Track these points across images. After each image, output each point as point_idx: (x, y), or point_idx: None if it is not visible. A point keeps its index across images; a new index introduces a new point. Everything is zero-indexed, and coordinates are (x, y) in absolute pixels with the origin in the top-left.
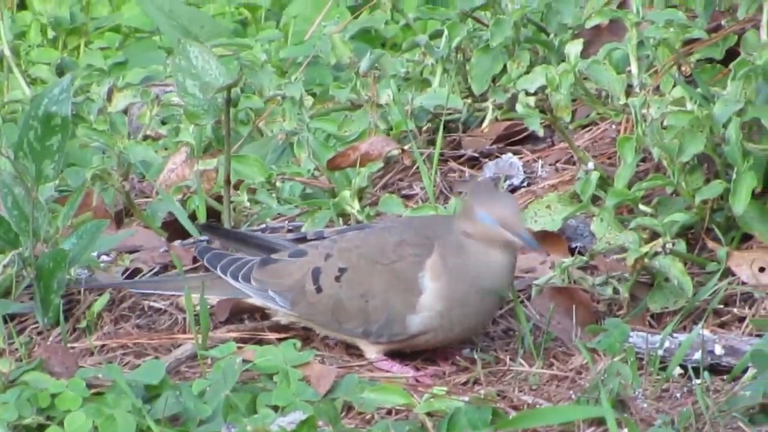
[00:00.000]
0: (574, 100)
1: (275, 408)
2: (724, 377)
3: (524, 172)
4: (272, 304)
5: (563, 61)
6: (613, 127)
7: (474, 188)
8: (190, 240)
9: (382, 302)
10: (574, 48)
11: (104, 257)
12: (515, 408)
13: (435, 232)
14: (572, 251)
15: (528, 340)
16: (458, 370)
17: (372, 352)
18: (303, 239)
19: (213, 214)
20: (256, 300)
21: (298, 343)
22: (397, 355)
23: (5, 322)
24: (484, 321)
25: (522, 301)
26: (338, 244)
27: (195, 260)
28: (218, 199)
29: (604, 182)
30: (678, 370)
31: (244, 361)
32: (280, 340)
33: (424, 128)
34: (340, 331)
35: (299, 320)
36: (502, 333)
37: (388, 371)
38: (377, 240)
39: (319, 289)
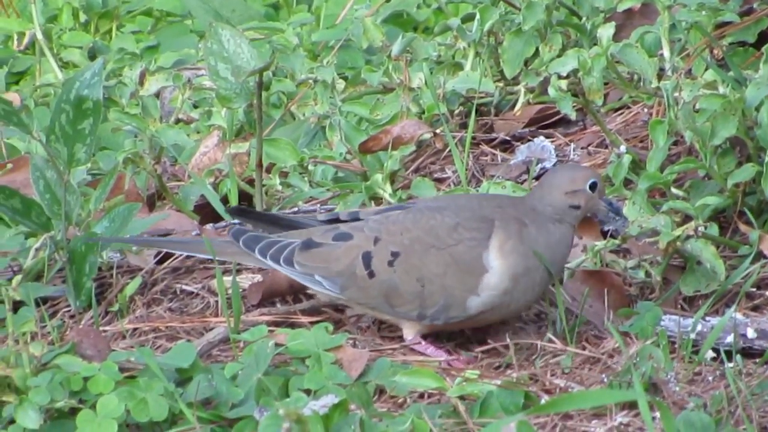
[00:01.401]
0: (606, 84)
1: (307, 391)
2: (757, 360)
3: (556, 155)
4: (318, 288)
5: (595, 44)
6: (645, 110)
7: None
8: (222, 223)
9: (439, 287)
10: (606, 31)
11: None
12: (547, 392)
13: (497, 210)
14: (604, 234)
15: (561, 323)
16: (491, 354)
17: (410, 333)
18: (336, 220)
19: (245, 198)
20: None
21: (330, 327)
22: (432, 337)
23: (37, 305)
24: (537, 298)
25: (559, 284)
26: (385, 226)
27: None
28: (250, 182)
29: (636, 165)
30: (710, 354)
31: (277, 344)
32: (312, 323)
33: (456, 112)
34: (392, 314)
35: (337, 299)
36: (535, 317)
37: (422, 353)
38: (428, 223)
39: (371, 274)
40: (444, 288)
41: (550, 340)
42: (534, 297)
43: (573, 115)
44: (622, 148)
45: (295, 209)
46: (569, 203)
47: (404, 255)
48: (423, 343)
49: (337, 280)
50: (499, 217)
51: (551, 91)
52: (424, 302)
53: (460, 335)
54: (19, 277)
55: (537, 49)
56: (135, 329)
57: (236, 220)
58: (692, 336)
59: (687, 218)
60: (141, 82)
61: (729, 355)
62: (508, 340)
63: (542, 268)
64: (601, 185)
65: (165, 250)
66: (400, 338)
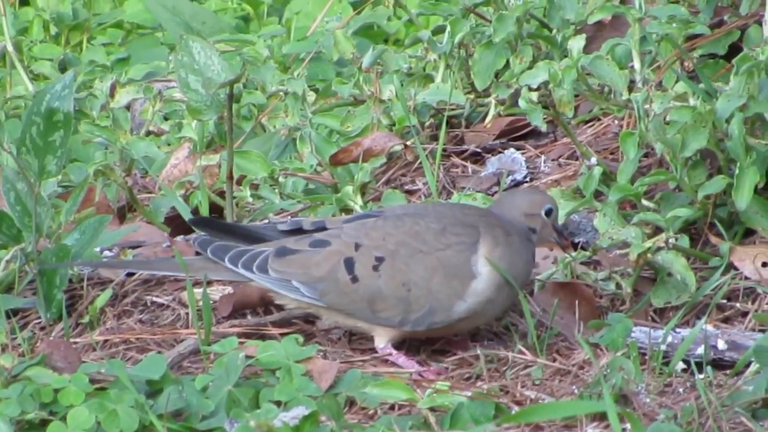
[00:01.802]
0: (576, 96)
1: (278, 403)
2: (727, 372)
3: (527, 167)
4: (294, 294)
5: (566, 56)
6: (616, 122)
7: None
8: (193, 235)
9: (426, 291)
10: (576, 43)
11: (107, 252)
12: (518, 403)
13: (476, 218)
14: (575, 246)
15: (531, 335)
16: (461, 365)
17: (382, 341)
18: (299, 230)
19: (216, 210)
20: (263, 286)
21: (301, 338)
22: (404, 348)
23: (8, 317)
24: (508, 308)
25: (525, 297)
26: (364, 232)
27: (197, 254)
28: (221, 194)
29: (607, 177)
30: (681, 365)
31: (247, 356)
32: (282, 335)
33: (427, 124)
34: (371, 320)
35: (315, 309)
36: (504, 329)
37: (393, 363)
38: (413, 228)
39: (354, 279)
40: (430, 292)
41: (521, 352)
42: (507, 307)
43: (544, 127)
44: (593, 159)
45: (266, 221)
46: (528, 225)
47: (389, 259)
48: (394, 353)
49: (317, 285)
50: (483, 223)
51: (522, 103)
52: (409, 307)
53: (429, 346)
54: None
55: (508, 61)
56: (105, 341)
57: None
58: (663, 347)
59: (658, 230)
60: (112, 95)
61: (699, 366)
62: (478, 351)
63: (520, 278)
64: (556, 213)
65: (135, 261)
66: (371, 350)
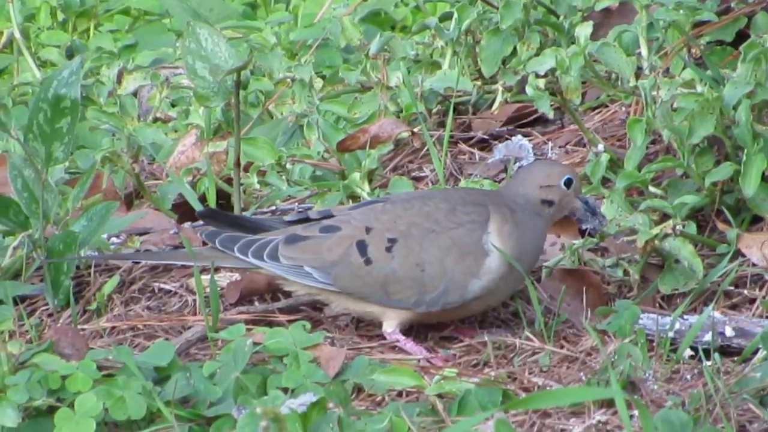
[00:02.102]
0: (583, 83)
1: (285, 390)
2: (735, 359)
3: (534, 154)
4: (306, 280)
5: (573, 43)
6: (623, 109)
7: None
8: (200, 222)
9: (440, 270)
10: (583, 30)
11: (114, 239)
12: (525, 390)
13: (483, 198)
14: (582, 233)
15: (539, 321)
16: (469, 352)
17: (391, 326)
18: (306, 220)
19: (223, 196)
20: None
21: (308, 325)
22: (412, 334)
23: (15, 303)
24: (518, 287)
25: (532, 283)
26: (373, 216)
27: (204, 243)
28: (228, 181)
29: (614, 164)
30: (688, 352)
31: (254, 343)
32: (290, 322)
33: (434, 110)
34: (385, 303)
35: (320, 293)
36: (512, 316)
37: (402, 349)
38: (423, 209)
39: (368, 261)
40: (445, 272)
41: (528, 338)
42: (517, 286)
43: (551, 114)
44: (600, 146)
45: (273, 208)
46: (542, 198)
47: (402, 240)
48: (402, 339)
49: (329, 270)
50: (490, 202)
51: (529, 90)
52: (423, 287)
53: (437, 333)
54: None
55: (515, 48)
56: (113, 328)
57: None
58: (670, 334)
59: (665, 217)
60: (119, 81)
61: (707, 353)
62: (486, 337)
63: (529, 255)
64: (577, 183)
65: (143, 253)
66: (379, 336)
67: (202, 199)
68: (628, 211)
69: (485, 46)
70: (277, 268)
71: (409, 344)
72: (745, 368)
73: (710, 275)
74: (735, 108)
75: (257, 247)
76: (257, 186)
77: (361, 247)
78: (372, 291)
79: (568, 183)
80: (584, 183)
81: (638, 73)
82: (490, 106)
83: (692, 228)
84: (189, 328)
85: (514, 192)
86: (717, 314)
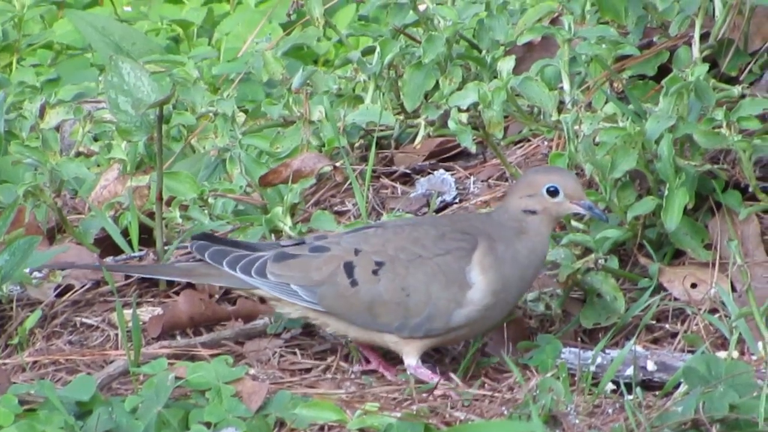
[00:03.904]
0: (506, 117)
1: (208, 424)
2: (656, 393)
3: (456, 188)
4: (292, 298)
5: (495, 77)
6: (546, 143)
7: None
8: (123, 256)
9: (425, 296)
10: (506, 64)
11: (36, 273)
12: (447, 424)
13: (471, 226)
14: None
15: (464, 360)
16: (391, 387)
17: (413, 359)
18: (302, 243)
19: (145, 231)
20: (264, 292)
21: (231, 359)
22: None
23: None
24: (509, 313)
25: None
26: (363, 239)
27: (127, 276)
28: (150, 215)
29: None
30: (610, 386)
31: (177, 377)
32: (212, 356)
33: (357, 145)
34: (372, 325)
35: (316, 315)
36: (433, 351)
37: (426, 381)
38: (412, 234)
39: (354, 283)
40: (429, 298)
41: (449, 379)
42: (507, 312)
43: (473, 148)
44: None
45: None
46: (523, 208)
47: (389, 264)
48: (423, 371)
49: (315, 289)
50: (475, 232)
51: (451, 124)
52: (408, 312)
53: (360, 366)
54: None
55: (437, 82)
56: (35, 362)
57: (136, 254)
58: (592, 368)
59: (587, 251)
60: (41, 115)
61: (629, 387)
62: (408, 373)
63: (513, 288)
64: (573, 189)
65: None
66: (301, 371)
67: (125, 233)
68: (550, 246)
69: (408, 81)
70: (264, 284)
71: (435, 377)
72: (667, 402)
73: (632, 309)
74: (657, 142)
75: (246, 263)
76: (179, 220)
77: (348, 268)
78: (357, 313)
79: (552, 192)
80: None
81: (560, 107)
82: (413, 140)
83: (614, 262)
84: (111, 362)
85: (502, 209)
86: (639, 348)
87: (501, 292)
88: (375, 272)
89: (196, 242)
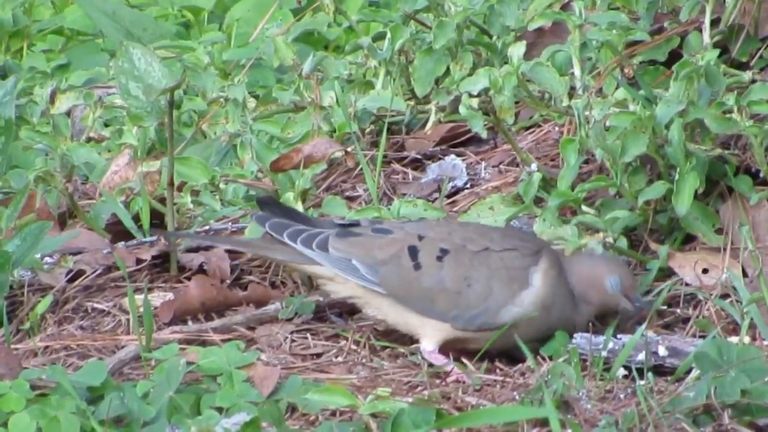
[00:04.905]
0: (517, 102)
1: (219, 409)
2: (668, 378)
3: (467, 173)
4: (351, 275)
5: (506, 63)
6: (556, 128)
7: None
8: (134, 241)
9: (485, 289)
10: (516, 50)
11: (48, 259)
12: (459, 409)
13: (536, 238)
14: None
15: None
16: (403, 372)
17: (431, 344)
18: (357, 224)
19: (156, 216)
20: (323, 269)
21: (242, 345)
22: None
23: None
24: (541, 336)
25: None
26: (427, 227)
27: (138, 261)
28: (162, 200)
29: (547, 183)
30: (622, 371)
31: (188, 362)
32: (223, 341)
33: (368, 130)
34: (428, 312)
35: (361, 294)
36: None
37: (438, 364)
38: (479, 228)
39: (417, 266)
40: (490, 291)
41: (462, 364)
42: (542, 333)
43: (484, 134)
44: (533, 166)
45: (207, 228)
46: (584, 295)
47: (454, 252)
48: (441, 358)
49: (378, 268)
50: (541, 243)
51: (462, 109)
52: (467, 302)
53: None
54: None
55: (448, 67)
56: (46, 347)
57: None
58: (604, 354)
59: (596, 234)
60: (52, 101)
61: (640, 372)
62: (420, 358)
63: (557, 312)
64: (629, 283)
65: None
66: (313, 356)
67: (136, 218)
68: (559, 224)
69: (418, 66)
70: (324, 258)
71: (450, 365)
72: (678, 387)
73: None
74: (668, 127)
75: (307, 236)
76: (191, 206)
77: (413, 251)
78: (416, 297)
79: (615, 284)
80: (517, 202)
81: (571, 92)
82: (424, 125)
83: (623, 243)
84: (122, 347)
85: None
86: (650, 333)
87: (548, 308)
88: (439, 258)
89: (257, 214)
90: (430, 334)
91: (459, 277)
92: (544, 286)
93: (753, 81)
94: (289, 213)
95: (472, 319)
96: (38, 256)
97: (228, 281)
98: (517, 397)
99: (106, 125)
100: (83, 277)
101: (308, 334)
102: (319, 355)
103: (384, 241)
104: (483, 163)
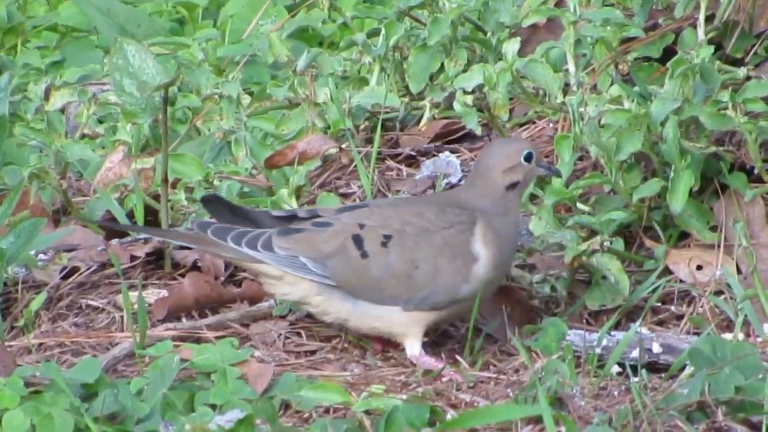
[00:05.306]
0: (511, 99)
1: (213, 406)
2: (662, 375)
3: (462, 170)
4: (300, 272)
5: (501, 59)
6: (551, 125)
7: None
8: (128, 238)
9: (433, 268)
10: (511, 46)
11: (42, 256)
12: (453, 406)
13: (465, 202)
14: None
15: (467, 340)
16: (396, 369)
17: (415, 348)
18: (293, 217)
19: (151, 213)
20: (270, 268)
21: (236, 342)
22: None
23: None
24: (494, 291)
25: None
26: (364, 215)
27: (132, 258)
28: (156, 197)
29: (542, 180)
30: (616, 368)
31: (182, 359)
32: (217, 338)
33: (362, 127)
34: (379, 300)
35: (318, 295)
36: (438, 337)
37: (430, 369)
38: (413, 209)
39: (364, 255)
40: (437, 270)
41: (456, 361)
42: (498, 286)
43: (478, 130)
44: None
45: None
46: (506, 183)
47: (397, 236)
48: (428, 360)
49: (326, 262)
50: (471, 208)
51: (456, 106)
52: (416, 284)
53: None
54: None
55: (442, 64)
56: (40, 344)
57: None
58: (598, 351)
59: (593, 233)
60: (46, 98)
61: (634, 369)
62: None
63: (507, 262)
64: (537, 154)
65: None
66: (306, 353)
67: (130, 215)
68: (556, 228)
69: (413, 63)
70: (272, 258)
71: (440, 364)
72: (672, 384)
73: (637, 292)
74: (662, 124)
75: (251, 238)
76: (185, 202)
77: (357, 240)
78: (367, 286)
79: (529, 157)
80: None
81: (566, 89)
82: (418, 122)
83: (619, 244)
84: (116, 344)
85: (482, 187)
86: (644, 330)
87: (500, 266)
88: (384, 244)
89: (197, 221)
90: (411, 338)
91: (406, 260)
92: (489, 251)
93: (748, 78)
94: (233, 209)
95: (423, 300)
96: (32, 252)
97: (222, 278)
98: (510, 394)
99: (101, 122)
100: (77, 274)
101: (302, 331)
102: (312, 352)
103: (327, 234)
104: None
